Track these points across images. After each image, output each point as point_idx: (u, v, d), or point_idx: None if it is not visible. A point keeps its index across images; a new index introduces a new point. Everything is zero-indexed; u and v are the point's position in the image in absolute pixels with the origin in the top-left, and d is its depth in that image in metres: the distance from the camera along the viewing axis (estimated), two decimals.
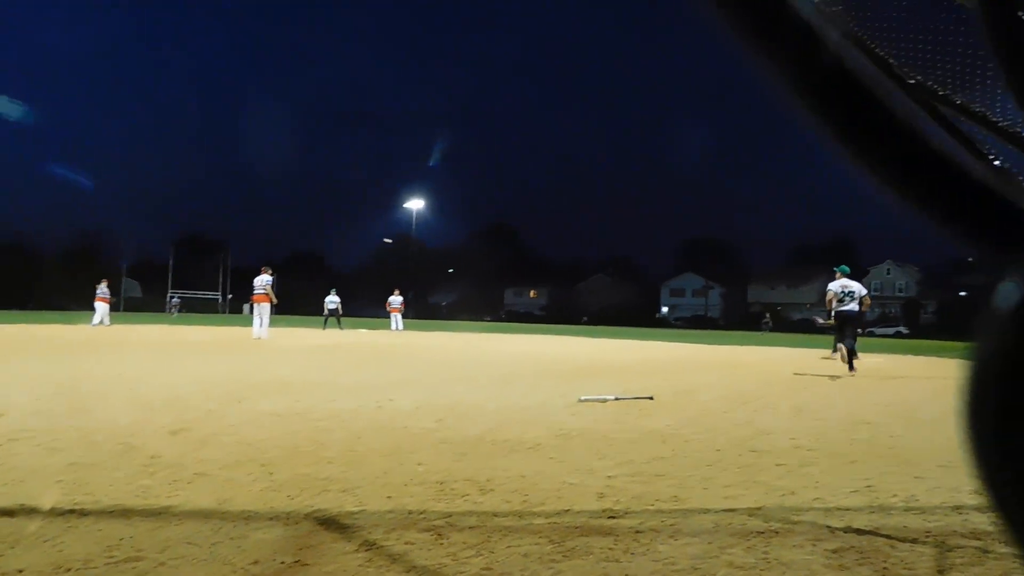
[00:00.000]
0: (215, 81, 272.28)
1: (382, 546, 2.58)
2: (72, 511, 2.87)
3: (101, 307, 25.06)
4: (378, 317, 44.55)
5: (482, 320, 70.74)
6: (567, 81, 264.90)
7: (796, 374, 11.64)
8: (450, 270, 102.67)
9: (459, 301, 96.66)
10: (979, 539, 2.81)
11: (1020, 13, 0.75)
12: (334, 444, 4.44)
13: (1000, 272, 0.42)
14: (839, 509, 3.24)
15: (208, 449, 4.17)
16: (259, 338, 18.08)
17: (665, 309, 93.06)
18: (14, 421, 4.87)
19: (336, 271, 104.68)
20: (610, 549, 2.60)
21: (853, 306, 11.60)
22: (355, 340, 19.73)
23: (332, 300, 28.67)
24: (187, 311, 66.75)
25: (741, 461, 4.28)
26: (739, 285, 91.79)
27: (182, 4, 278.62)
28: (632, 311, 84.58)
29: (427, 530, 2.77)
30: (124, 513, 2.87)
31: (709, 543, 2.70)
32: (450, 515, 2.99)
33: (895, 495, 3.53)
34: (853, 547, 2.68)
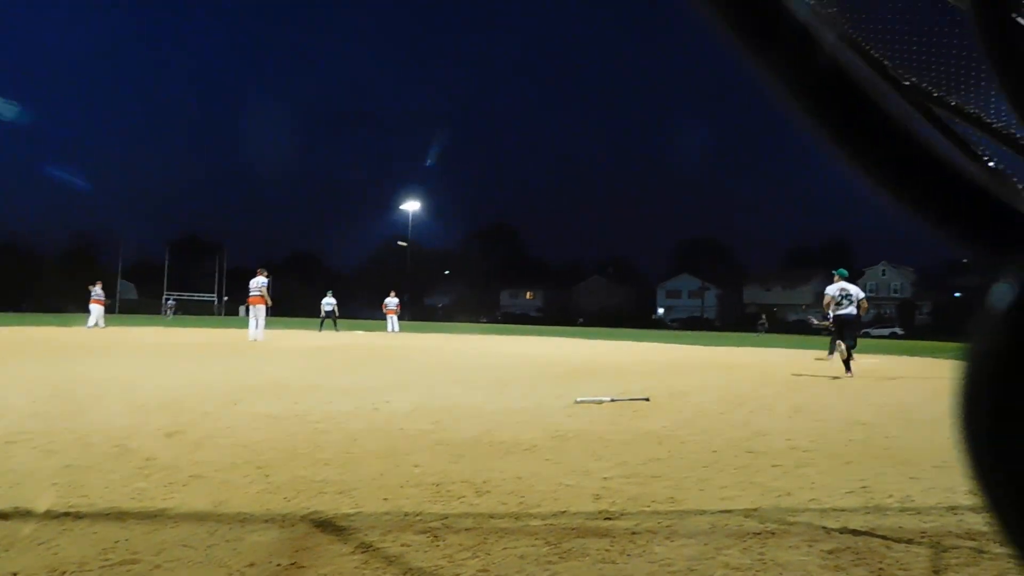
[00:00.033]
0: (212, 81, 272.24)
1: (378, 548, 2.57)
2: (67, 513, 2.86)
3: (96, 309, 24.96)
4: (374, 319, 44.51)
5: (478, 322, 70.75)
6: (563, 83, 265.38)
7: (792, 375, 11.66)
8: (446, 272, 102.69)
9: (455, 303, 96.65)
10: (974, 539, 2.82)
11: (1013, 15, 0.76)
12: (330, 446, 4.43)
13: (994, 273, 0.42)
14: (835, 510, 3.24)
15: (204, 451, 4.16)
16: (255, 340, 18.05)
17: (661, 310, 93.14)
18: (10, 423, 4.85)
19: (334, 272, 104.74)
20: (606, 551, 2.60)
21: (851, 309, 11.63)
22: (351, 342, 19.70)
23: (329, 302, 28.66)
24: (183, 313, 66.58)
25: (737, 462, 4.29)
26: (735, 286, 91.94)
27: (178, 4, 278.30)
28: (628, 312, 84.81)
29: (423, 532, 2.77)
30: (119, 515, 2.86)
31: (705, 544, 2.70)
32: (446, 517, 2.98)
33: (891, 496, 3.53)
34: (849, 548, 2.68)
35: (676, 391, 8.29)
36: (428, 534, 2.74)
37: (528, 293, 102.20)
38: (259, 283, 19.06)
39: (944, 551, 2.69)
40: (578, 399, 7.02)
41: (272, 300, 19.57)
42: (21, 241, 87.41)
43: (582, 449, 4.56)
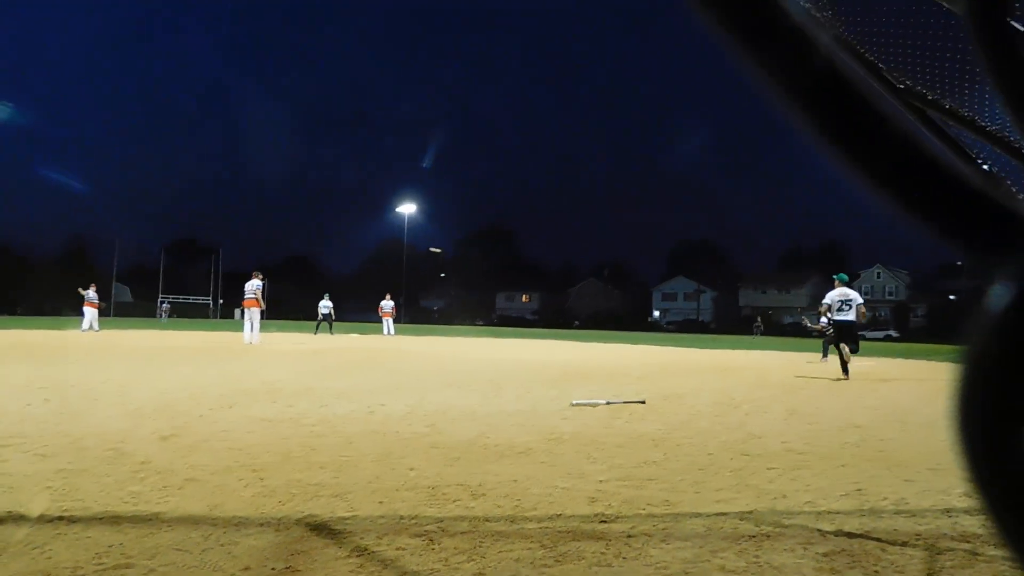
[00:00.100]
0: (208, 83, 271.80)
1: (374, 551, 2.57)
2: (61, 518, 2.84)
3: (89, 312, 24.85)
4: (370, 321, 44.48)
5: (474, 324, 70.78)
6: (559, 85, 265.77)
7: (787, 378, 11.68)
8: (442, 275, 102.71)
9: (451, 305, 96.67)
10: (969, 542, 2.83)
11: (1008, 18, 0.76)
12: (325, 449, 4.42)
13: (989, 275, 0.42)
14: (830, 512, 3.25)
15: (199, 455, 4.15)
16: (251, 343, 18.02)
17: (657, 313, 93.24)
18: (3, 427, 4.83)
19: (329, 275, 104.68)
20: (602, 553, 2.60)
21: (851, 315, 11.67)
22: (347, 345, 19.67)
23: (325, 305, 28.63)
24: (178, 316, 66.49)
25: (732, 465, 4.29)
26: (731, 289, 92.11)
27: (174, 6, 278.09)
28: (624, 315, 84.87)
29: (419, 535, 2.77)
30: (114, 519, 2.85)
31: (700, 547, 2.70)
32: (442, 520, 2.98)
33: (885, 498, 3.54)
34: (844, 550, 2.68)
35: (671, 394, 8.30)
36: (423, 537, 2.74)
37: (524, 296, 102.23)
38: (254, 286, 19.03)
39: (939, 553, 2.69)
40: (573, 402, 7.02)
41: (266, 303, 19.52)
42: (15, 244, 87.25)
43: (577, 452, 4.56)
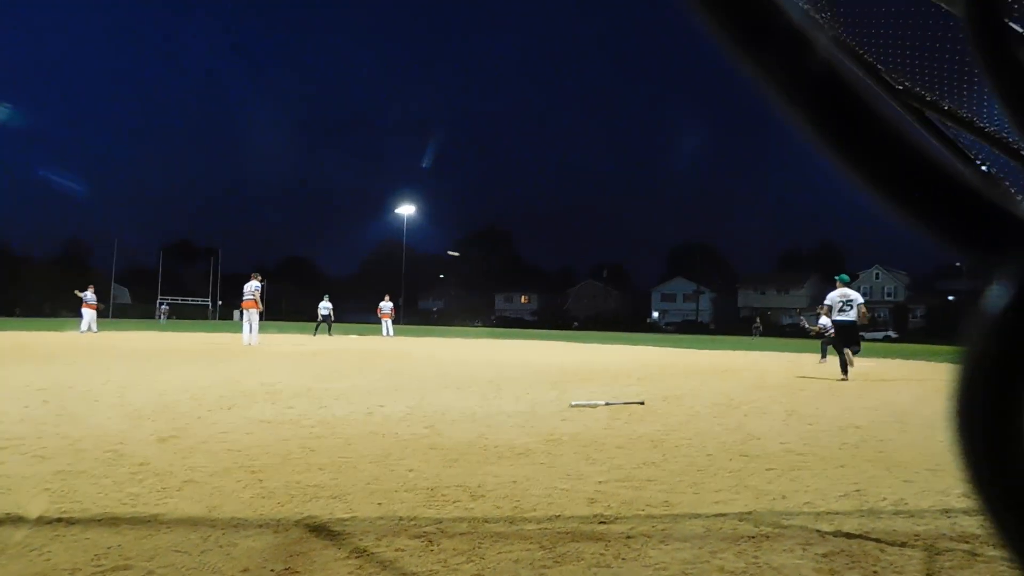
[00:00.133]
0: (207, 85, 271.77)
1: (372, 553, 2.56)
2: (59, 519, 2.84)
3: (88, 313, 24.81)
4: (369, 323, 44.46)
5: (473, 326, 70.76)
6: (557, 87, 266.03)
7: (786, 379, 11.68)
8: (441, 276, 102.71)
9: (450, 306, 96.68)
10: (968, 542, 2.83)
11: (1007, 20, 0.76)
12: (324, 451, 4.42)
13: (988, 276, 0.42)
14: (829, 513, 3.25)
15: (197, 456, 4.15)
16: (249, 344, 18.01)
17: (656, 314, 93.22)
18: (2, 429, 4.82)
19: (328, 276, 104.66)
20: (601, 554, 2.60)
21: (852, 316, 11.69)
22: (346, 346, 19.67)
23: (325, 306, 28.62)
24: (176, 317, 66.41)
25: (731, 466, 4.29)
26: (730, 290, 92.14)
27: (173, 8, 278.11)
28: (623, 316, 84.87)
29: (418, 536, 2.76)
30: (112, 521, 2.85)
31: (700, 548, 2.70)
32: (441, 521, 2.98)
33: (884, 499, 3.54)
34: (843, 551, 2.69)
35: (670, 395, 8.30)
36: (422, 539, 2.73)
37: (523, 297, 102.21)
38: (252, 287, 19.03)
39: (938, 554, 2.70)
40: (573, 403, 7.02)
41: (265, 305, 19.52)
42: (14, 245, 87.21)
43: (576, 453, 4.55)
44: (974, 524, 3.05)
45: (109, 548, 2.52)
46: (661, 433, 5.43)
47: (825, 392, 9.46)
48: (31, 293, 72.18)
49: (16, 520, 2.84)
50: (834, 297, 11.88)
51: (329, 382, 8.84)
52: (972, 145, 1.43)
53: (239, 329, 21.34)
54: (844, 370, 11.41)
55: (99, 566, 2.34)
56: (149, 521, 2.86)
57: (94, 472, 3.66)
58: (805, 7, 1.42)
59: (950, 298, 74.72)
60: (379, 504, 3.22)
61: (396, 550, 2.60)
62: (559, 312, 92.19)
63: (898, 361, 18.92)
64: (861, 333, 12.33)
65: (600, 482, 3.76)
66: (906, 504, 3.45)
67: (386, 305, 30.54)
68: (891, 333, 66.35)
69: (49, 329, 26.75)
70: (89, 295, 25.09)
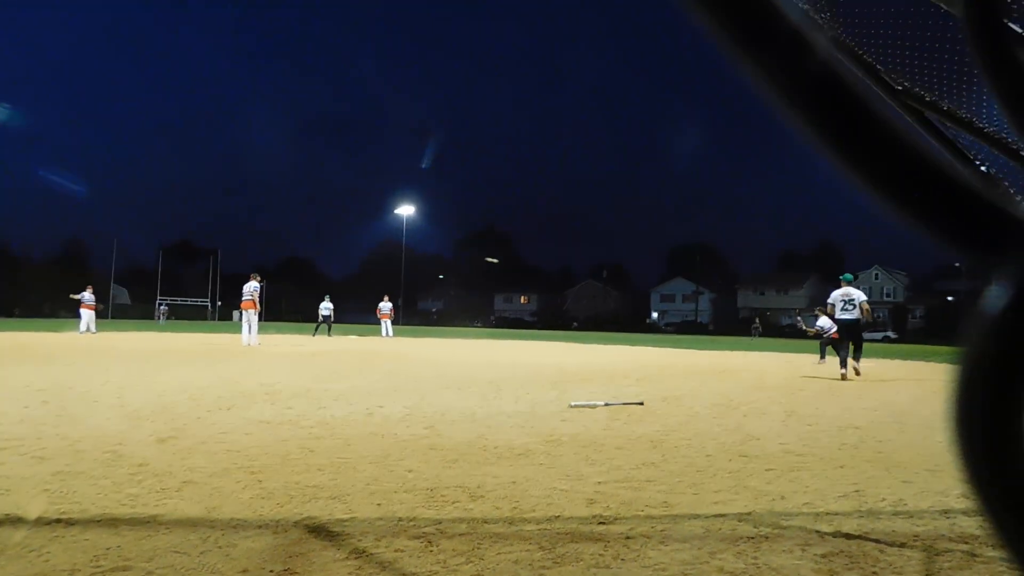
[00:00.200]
0: (207, 86, 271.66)
1: (372, 553, 2.56)
2: (58, 520, 2.84)
3: (86, 314, 24.76)
4: (369, 323, 44.46)
5: (472, 326, 70.78)
6: (557, 88, 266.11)
7: (785, 379, 11.69)
8: (440, 276, 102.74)
9: (450, 307, 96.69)
10: (967, 543, 2.83)
11: (1005, 20, 0.76)
12: (324, 451, 4.42)
13: (987, 277, 0.42)
14: (828, 514, 3.25)
15: (196, 457, 4.14)
16: (249, 345, 18.01)
17: (656, 315, 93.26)
18: (1, 430, 4.82)
19: (328, 277, 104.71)
20: (600, 555, 2.60)
21: (855, 314, 11.74)
22: (345, 347, 19.66)
23: (326, 307, 28.63)
24: (176, 318, 66.37)
25: (731, 466, 4.29)
26: (729, 291, 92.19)
27: (173, 9, 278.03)
28: (623, 317, 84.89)
29: (417, 537, 2.76)
30: (111, 522, 2.85)
31: (699, 549, 2.70)
32: (440, 522, 2.98)
33: (884, 499, 3.54)
34: (842, 551, 2.69)
35: (670, 395, 8.30)
36: (422, 539, 2.73)
37: (522, 297, 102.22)
38: (251, 288, 19.03)
39: (937, 554, 2.70)
40: (572, 404, 7.02)
41: (264, 305, 19.53)
42: (13, 245, 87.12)
43: (576, 454, 4.55)
44: (973, 525, 3.05)
45: (108, 549, 2.52)
46: (660, 434, 5.43)
47: (824, 393, 9.47)
48: (30, 293, 72.11)
49: (15, 521, 2.84)
50: (837, 296, 11.95)
51: (328, 383, 8.83)
52: (971, 145, 1.43)
53: (238, 330, 21.32)
54: (843, 364, 11.51)
55: (98, 567, 2.34)
56: (148, 522, 2.86)
57: (93, 473, 3.66)
58: (805, 7, 1.42)
59: (949, 298, 74.80)
60: (378, 505, 3.22)
61: (395, 551, 2.60)
62: (559, 312, 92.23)
63: (897, 361, 18.93)
64: (862, 333, 12.38)
65: (599, 483, 3.76)
66: (905, 505, 3.45)
67: (385, 306, 30.53)
68: (890, 333, 66.43)
69: (48, 330, 26.73)
70: (87, 295, 25.00)
